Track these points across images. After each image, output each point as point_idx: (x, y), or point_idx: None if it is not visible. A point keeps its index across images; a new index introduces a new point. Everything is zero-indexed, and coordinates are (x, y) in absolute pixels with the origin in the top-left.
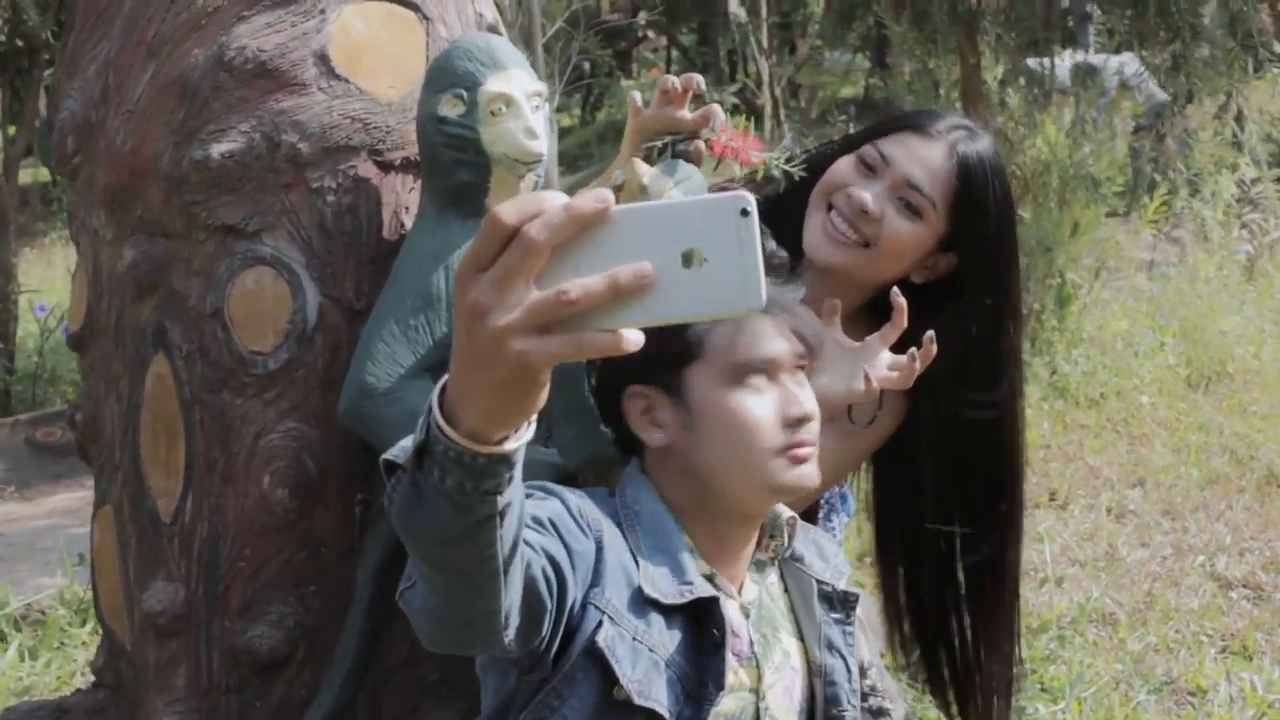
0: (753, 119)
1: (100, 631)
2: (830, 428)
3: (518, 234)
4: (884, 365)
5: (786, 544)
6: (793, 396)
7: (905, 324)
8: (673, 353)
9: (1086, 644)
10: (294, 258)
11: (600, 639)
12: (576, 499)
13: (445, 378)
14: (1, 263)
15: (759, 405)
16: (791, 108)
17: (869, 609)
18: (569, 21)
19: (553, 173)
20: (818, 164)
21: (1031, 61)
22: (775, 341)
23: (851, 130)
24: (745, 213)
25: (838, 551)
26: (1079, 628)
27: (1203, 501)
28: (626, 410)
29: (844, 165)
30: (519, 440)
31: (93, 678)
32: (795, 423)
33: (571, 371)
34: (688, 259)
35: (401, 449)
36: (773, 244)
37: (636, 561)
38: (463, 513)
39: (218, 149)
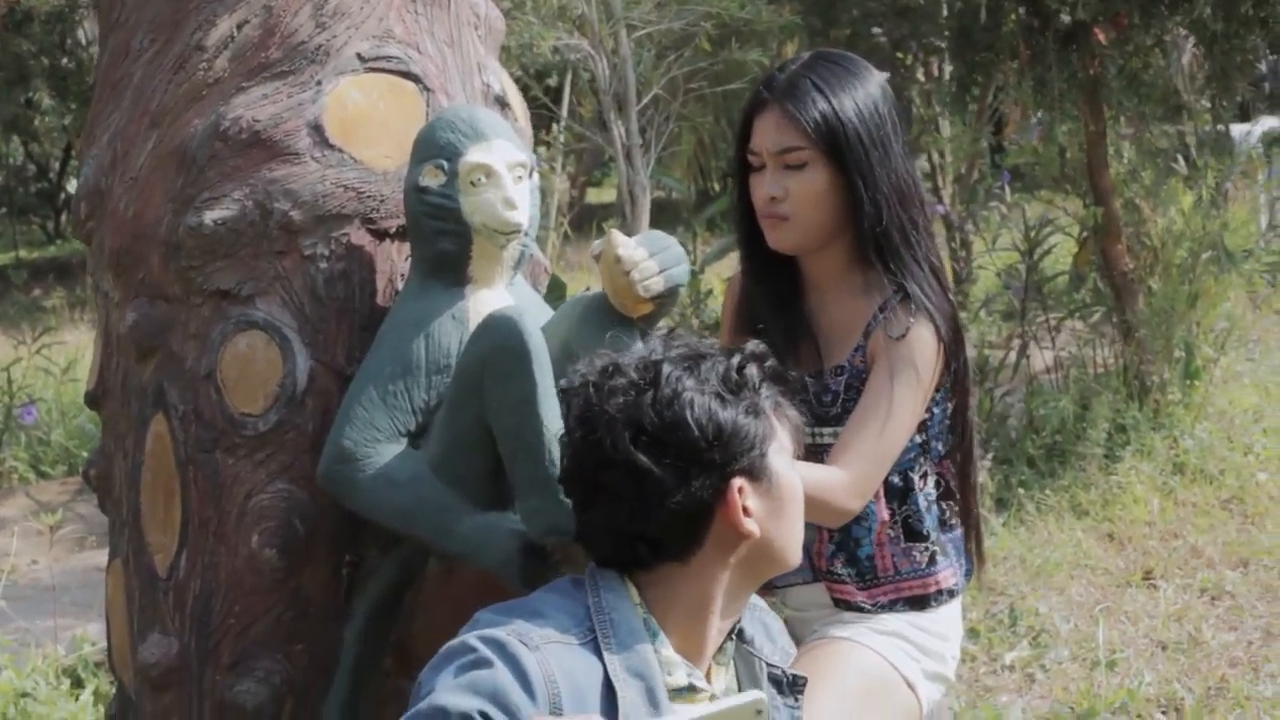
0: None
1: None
2: None
3: None
4: None
5: (736, 624)
6: None
7: None
8: (758, 435)
9: None
10: (286, 322)
11: None
12: (536, 661)
13: None
14: None
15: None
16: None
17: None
18: (667, 88)
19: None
20: None
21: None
22: None
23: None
24: (759, 713)
25: (783, 631)
26: (1144, 714)
27: None
28: (729, 503)
29: (752, 182)
30: None
31: None
32: None
33: (532, 443)
34: None
35: None
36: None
37: (612, 688)
38: None
39: (211, 216)
